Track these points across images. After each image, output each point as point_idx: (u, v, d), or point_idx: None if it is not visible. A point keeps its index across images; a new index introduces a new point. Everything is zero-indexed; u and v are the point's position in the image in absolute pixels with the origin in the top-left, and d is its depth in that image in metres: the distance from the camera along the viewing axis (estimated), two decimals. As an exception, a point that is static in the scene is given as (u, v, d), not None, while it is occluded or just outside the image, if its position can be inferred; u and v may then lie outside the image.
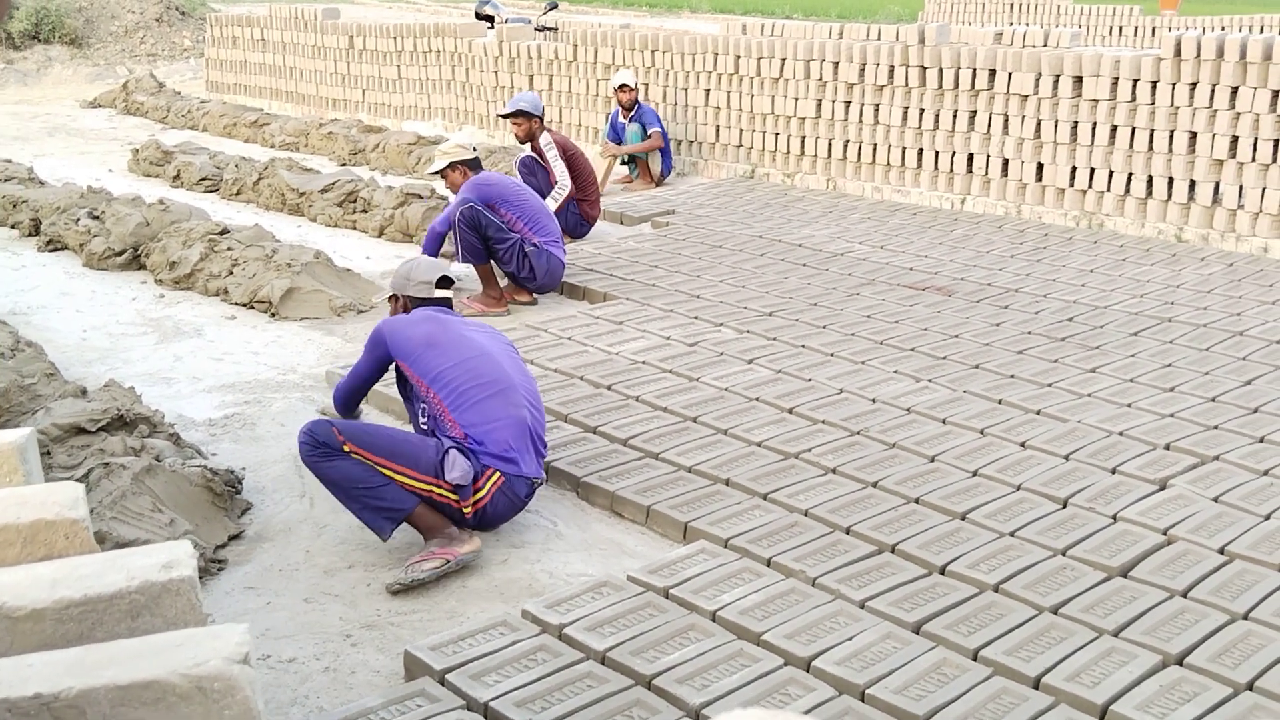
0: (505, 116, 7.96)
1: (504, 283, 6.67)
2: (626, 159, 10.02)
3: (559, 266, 6.60)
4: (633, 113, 9.77)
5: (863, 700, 2.99)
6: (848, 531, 3.87)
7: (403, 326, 4.11)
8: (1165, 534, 3.85)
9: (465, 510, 3.82)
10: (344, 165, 11.19)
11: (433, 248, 6.72)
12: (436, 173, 6.76)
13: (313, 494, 4.24)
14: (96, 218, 7.86)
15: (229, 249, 7.02)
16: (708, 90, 10.51)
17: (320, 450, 3.72)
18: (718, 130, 10.52)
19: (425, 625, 3.47)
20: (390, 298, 4.43)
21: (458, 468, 3.78)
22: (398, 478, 3.73)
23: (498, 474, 3.87)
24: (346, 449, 3.70)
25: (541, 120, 7.93)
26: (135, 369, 5.66)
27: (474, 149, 6.73)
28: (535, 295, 6.66)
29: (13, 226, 8.50)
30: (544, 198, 7.81)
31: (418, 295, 4.26)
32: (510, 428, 3.91)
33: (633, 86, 9.74)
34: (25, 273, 7.41)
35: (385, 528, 3.75)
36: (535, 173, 7.84)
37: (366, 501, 3.74)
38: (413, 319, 4.14)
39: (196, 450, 4.43)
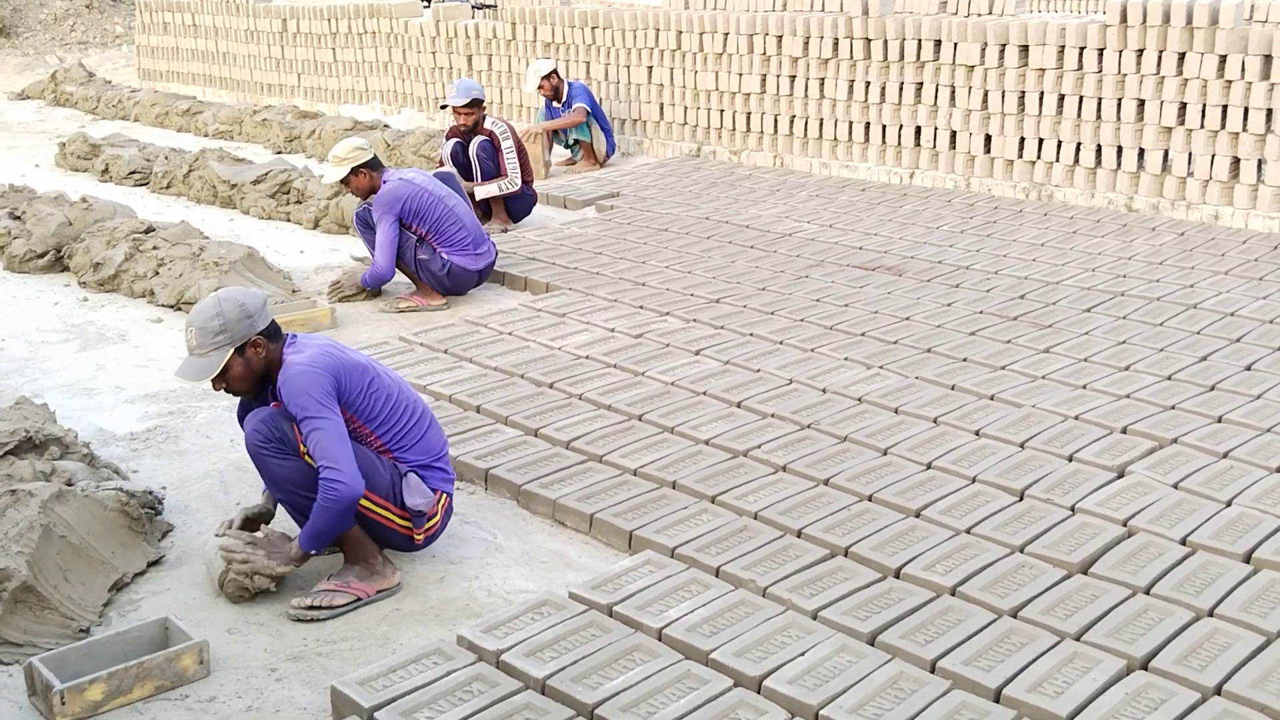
0: (464, 106, 7.55)
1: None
2: (570, 141, 9.79)
3: (461, 274, 6.28)
4: (566, 96, 9.49)
5: (816, 722, 2.84)
6: (799, 535, 3.72)
7: (326, 367, 3.47)
8: (1125, 525, 3.73)
9: (417, 538, 3.61)
10: (279, 154, 10.88)
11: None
12: (340, 182, 6.14)
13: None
14: (17, 218, 7.55)
15: (155, 248, 6.73)
16: (650, 67, 10.29)
17: (274, 445, 3.45)
18: (662, 108, 10.31)
19: (355, 654, 3.28)
20: None
21: (419, 494, 3.58)
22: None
23: (444, 495, 3.68)
24: (302, 450, 3.44)
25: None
26: (55, 379, 5.40)
27: (369, 145, 6.24)
28: (446, 299, 6.39)
29: (-70, 229, 8.14)
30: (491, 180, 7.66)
31: (266, 327, 3.50)
32: (442, 439, 3.73)
33: (550, 73, 9.40)
34: (-59, 279, 7.09)
35: (316, 545, 3.54)
36: (493, 157, 7.65)
37: (301, 508, 3.51)
38: (315, 357, 3.48)
39: (114, 470, 4.19)
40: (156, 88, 15.00)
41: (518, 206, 7.90)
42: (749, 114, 9.70)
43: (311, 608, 3.42)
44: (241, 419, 3.67)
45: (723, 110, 9.86)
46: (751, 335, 5.53)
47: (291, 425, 3.44)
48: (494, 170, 7.69)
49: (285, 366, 3.47)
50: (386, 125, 10.75)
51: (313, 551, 3.49)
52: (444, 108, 7.73)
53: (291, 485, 3.49)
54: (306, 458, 3.44)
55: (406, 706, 2.89)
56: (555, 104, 9.57)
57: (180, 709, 3.06)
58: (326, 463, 3.37)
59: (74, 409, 4.99)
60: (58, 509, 3.57)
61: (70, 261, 7.03)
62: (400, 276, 6.46)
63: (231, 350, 3.41)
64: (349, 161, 6.07)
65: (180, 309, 6.24)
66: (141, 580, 3.66)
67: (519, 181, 7.70)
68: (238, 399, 3.71)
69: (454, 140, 7.76)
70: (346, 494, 3.36)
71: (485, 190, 7.66)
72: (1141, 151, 7.74)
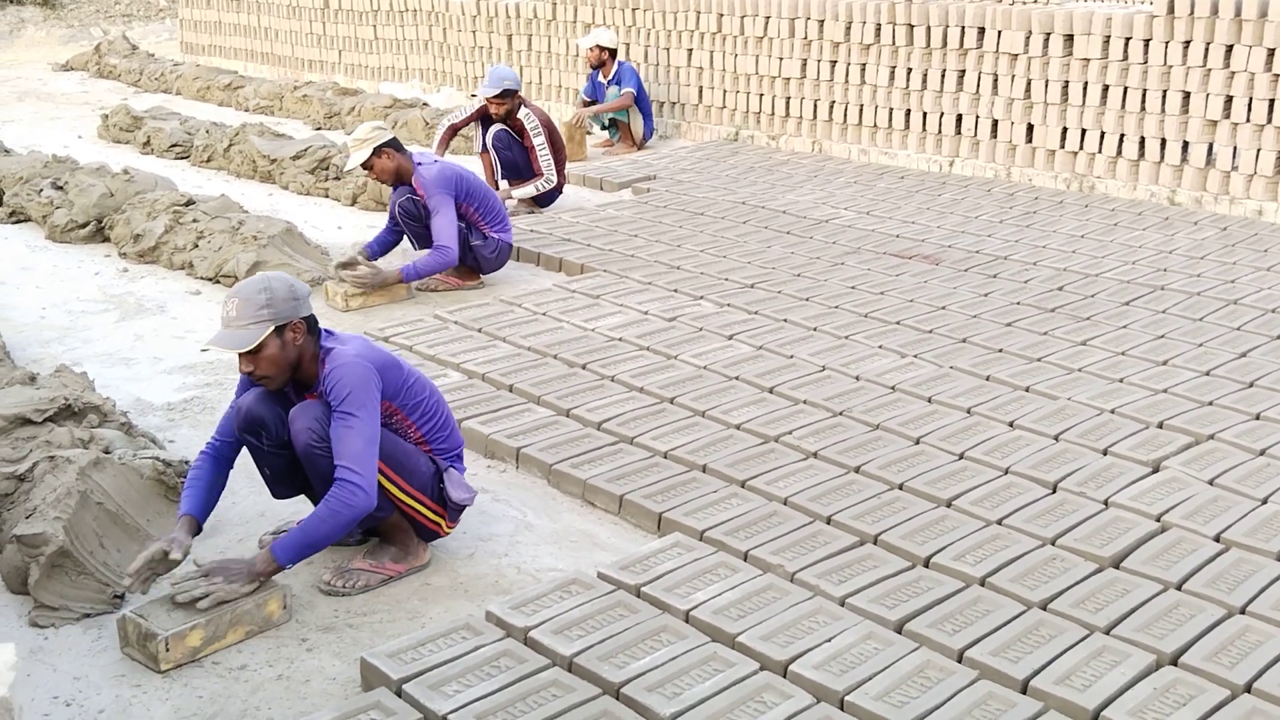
0: (495, 98, 7.43)
1: None
2: (607, 122, 9.78)
3: (506, 251, 6.28)
4: (613, 74, 9.51)
5: (842, 708, 2.84)
6: (828, 521, 3.71)
7: (373, 361, 3.42)
8: (1159, 520, 3.70)
9: (446, 531, 3.62)
10: (319, 130, 10.92)
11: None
12: (363, 165, 5.92)
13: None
14: (60, 188, 7.62)
15: (194, 221, 6.79)
16: (690, 50, 10.25)
17: (324, 444, 3.32)
18: (701, 91, 10.28)
19: (385, 627, 3.31)
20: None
21: (463, 489, 3.58)
22: (388, 486, 3.42)
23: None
24: None
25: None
26: (94, 349, 5.47)
27: (386, 125, 6.13)
28: (482, 279, 6.39)
29: (-25, 198, 8.26)
30: (520, 172, 7.59)
31: (307, 315, 3.40)
32: (460, 435, 3.74)
33: (606, 46, 9.44)
34: (-15, 246, 7.19)
35: (354, 531, 3.56)
36: (511, 148, 7.58)
37: None
38: (362, 350, 3.44)
39: (151, 439, 4.24)
40: (198, 62, 15.10)
41: (545, 196, 7.76)
42: (788, 99, 9.65)
43: (348, 586, 3.42)
44: (231, 442, 3.51)
45: (762, 94, 9.82)
46: (785, 321, 5.52)
47: None
48: (512, 161, 7.56)
49: (333, 355, 3.37)
50: (425, 103, 10.77)
51: (287, 566, 3.24)
52: (473, 97, 7.56)
53: None
54: None
55: (435, 680, 2.91)
56: (601, 78, 9.56)
57: (212, 676, 3.10)
58: (349, 463, 3.22)
59: (112, 378, 5.05)
60: (95, 476, 3.62)
61: (111, 232, 7.10)
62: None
63: (272, 327, 3.26)
64: (370, 142, 5.85)
65: (219, 282, 6.30)
66: (176, 548, 3.70)
67: (555, 178, 7.57)
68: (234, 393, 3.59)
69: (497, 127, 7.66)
70: (363, 504, 3.22)
71: (523, 192, 7.52)
72: (1186, 144, 7.65)
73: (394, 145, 5.97)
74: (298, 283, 3.39)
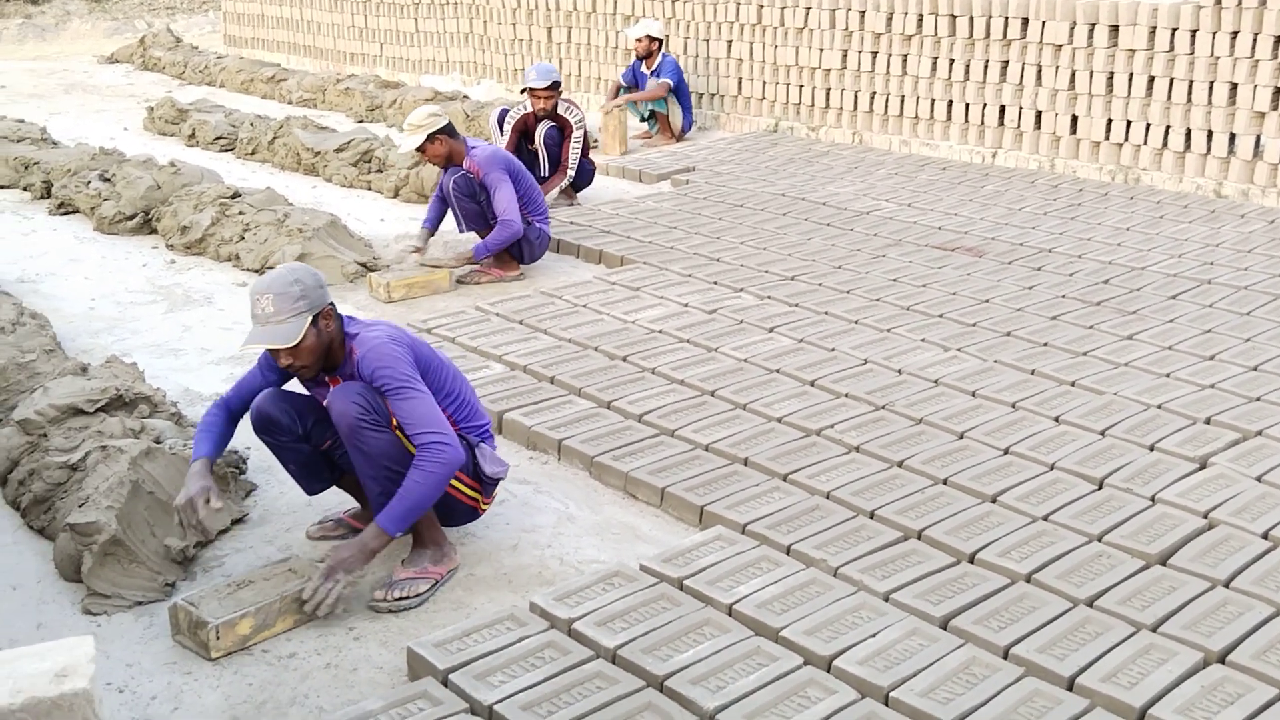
0: (544, 90, 7.50)
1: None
2: (647, 114, 9.78)
3: (546, 240, 6.38)
4: (655, 65, 9.51)
5: (886, 704, 2.84)
6: (872, 516, 3.71)
7: (408, 344, 3.50)
8: (1206, 517, 3.67)
9: (483, 507, 3.65)
10: (361, 122, 10.99)
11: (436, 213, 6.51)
12: (417, 149, 6.04)
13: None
14: (107, 180, 7.72)
15: (240, 213, 6.86)
16: (730, 41, 10.22)
17: (373, 417, 3.32)
18: (740, 83, 10.25)
19: (430, 617, 3.34)
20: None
21: (495, 462, 3.61)
22: None
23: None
24: (393, 424, 3.38)
25: None
26: (143, 339, 5.54)
27: (443, 112, 6.21)
28: (521, 269, 6.43)
29: (24, 189, 8.39)
30: (555, 168, 7.64)
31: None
32: (485, 413, 3.76)
33: (656, 36, 9.47)
34: (35, 238, 7.29)
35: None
36: (559, 144, 7.64)
37: (388, 486, 3.39)
38: (390, 334, 3.49)
39: (200, 429, 4.29)
40: (241, 54, 15.23)
41: (579, 179, 7.81)
42: (829, 90, 9.61)
43: (400, 599, 3.39)
44: (244, 404, 3.58)
45: (802, 86, 9.78)
46: (826, 314, 5.51)
47: (381, 398, 3.36)
48: (560, 158, 7.64)
49: (361, 340, 3.40)
50: (466, 96, 10.81)
51: (396, 535, 3.33)
52: (524, 91, 7.64)
53: (385, 459, 3.37)
54: (397, 431, 3.37)
55: (480, 670, 2.94)
56: (644, 69, 9.57)
57: (261, 664, 3.14)
58: (429, 428, 3.30)
59: (161, 369, 5.12)
60: (146, 465, 3.68)
61: (158, 224, 7.19)
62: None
63: (310, 317, 3.30)
64: (425, 128, 6.00)
65: (264, 273, 6.35)
66: (225, 537, 3.75)
67: (573, 174, 7.67)
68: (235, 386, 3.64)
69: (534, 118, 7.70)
70: (454, 457, 3.29)
71: (549, 194, 7.51)
72: (1233, 136, 7.54)
73: (448, 131, 6.09)
74: (316, 270, 3.46)
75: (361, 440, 3.35)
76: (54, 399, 4.03)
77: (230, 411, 3.60)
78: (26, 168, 8.48)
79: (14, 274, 6.49)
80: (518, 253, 6.30)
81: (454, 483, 3.54)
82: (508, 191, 6.06)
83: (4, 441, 4.00)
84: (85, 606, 3.37)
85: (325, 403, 3.45)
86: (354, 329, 3.48)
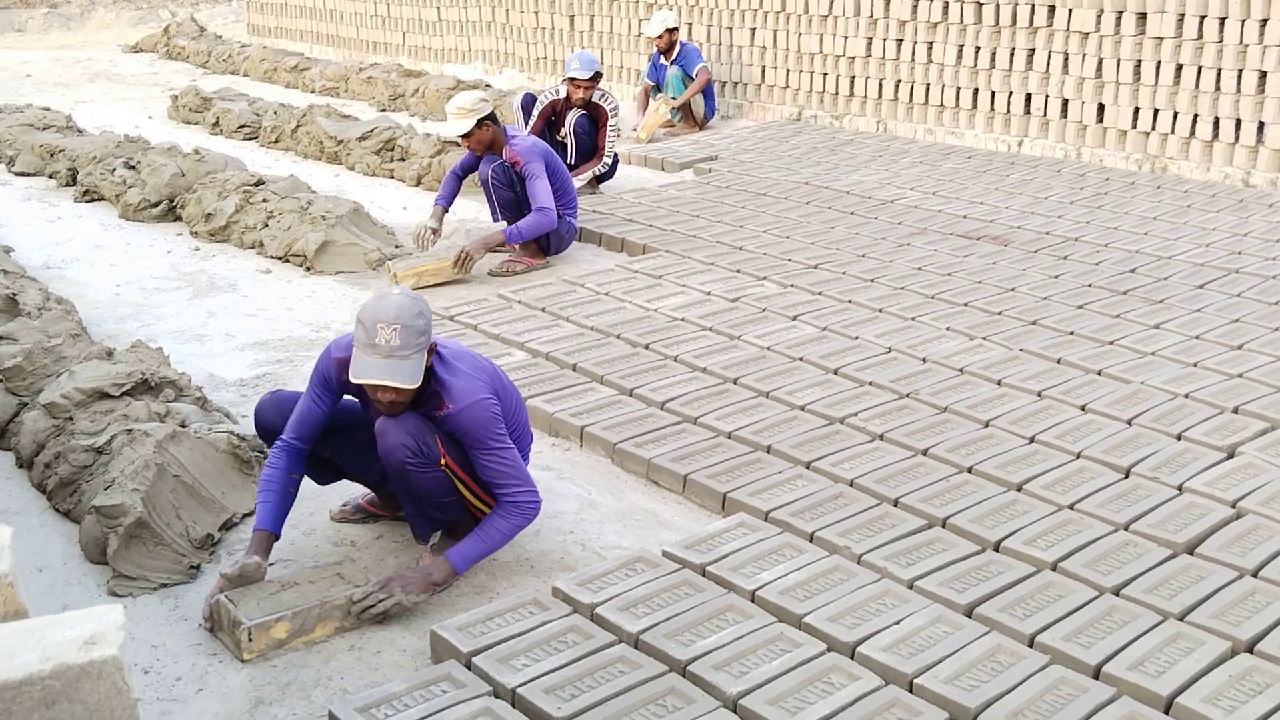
0: (586, 80, 7.47)
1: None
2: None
3: (573, 235, 6.43)
4: (675, 55, 9.48)
5: (911, 690, 2.83)
6: (896, 504, 3.69)
7: (497, 391, 3.39)
8: (1234, 506, 3.63)
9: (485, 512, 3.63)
10: (383, 111, 11.02)
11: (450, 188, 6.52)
12: (462, 136, 6.05)
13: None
14: (132, 167, 7.76)
15: (264, 200, 6.89)
16: (753, 29, 10.19)
17: (419, 460, 3.26)
18: (764, 71, 10.22)
19: (454, 602, 3.34)
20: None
21: None
22: (469, 497, 3.43)
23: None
24: (442, 463, 3.32)
25: None
26: (168, 325, 5.57)
27: (488, 97, 6.30)
28: (548, 259, 6.43)
29: (50, 176, 8.45)
30: (583, 157, 7.64)
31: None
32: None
33: (675, 27, 9.45)
34: (61, 224, 7.34)
35: (430, 535, 3.57)
36: (590, 134, 7.63)
37: (429, 514, 3.44)
38: (484, 384, 3.35)
39: (225, 414, 4.32)
40: (265, 43, 15.28)
41: (603, 175, 7.80)
42: (853, 78, 9.56)
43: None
44: (309, 441, 3.43)
45: (826, 74, 9.74)
46: (850, 302, 5.48)
47: (435, 438, 3.28)
48: (589, 146, 7.64)
49: (455, 394, 3.25)
50: (488, 85, 10.82)
51: (462, 573, 3.32)
52: (566, 81, 7.60)
53: (431, 496, 3.37)
54: (445, 468, 3.32)
55: (503, 653, 2.94)
56: (664, 61, 9.55)
57: (285, 646, 3.15)
58: (520, 483, 3.32)
59: (186, 354, 5.14)
60: (172, 449, 3.69)
61: (183, 211, 7.22)
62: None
63: (425, 353, 3.15)
64: (475, 113, 5.98)
65: (288, 260, 6.39)
66: (249, 521, 3.76)
67: (610, 161, 7.68)
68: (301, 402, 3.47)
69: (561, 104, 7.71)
70: (535, 513, 3.36)
71: (582, 178, 7.53)
72: (1261, 125, 7.47)
73: (493, 118, 6.11)
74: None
75: (406, 479, 3.32)
76: (80, 383, 4.05)
77: (293, 457, 3.40)
78: (53, 155, 8.54)
79: (40, 260, 6.53)
80: (545, 243, 6.31)
81: (485, 506, 3.47)
82: (543, 181, 6.09)
83: (30, 425, 4.03)
84: (111, 588, 3.39)
85: (376, 429, 3.31)
86: (444, 373, 3.28)
